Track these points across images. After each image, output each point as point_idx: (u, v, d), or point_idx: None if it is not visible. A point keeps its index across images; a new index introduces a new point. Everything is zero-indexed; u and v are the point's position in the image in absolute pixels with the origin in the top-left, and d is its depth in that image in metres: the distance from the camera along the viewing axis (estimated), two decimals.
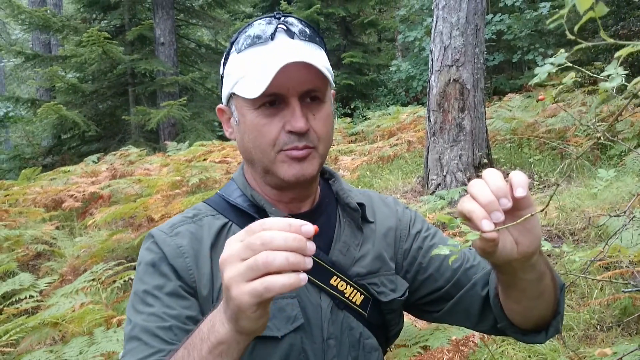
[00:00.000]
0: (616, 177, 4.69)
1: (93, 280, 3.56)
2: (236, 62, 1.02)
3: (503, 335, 1.11)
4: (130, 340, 0.95)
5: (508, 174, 0.82)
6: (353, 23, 14.44)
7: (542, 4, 10.47)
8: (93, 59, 10.54)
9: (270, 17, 1.03)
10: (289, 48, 0.98)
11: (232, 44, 1.04)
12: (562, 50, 0.70)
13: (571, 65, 0.70)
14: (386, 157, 7.35)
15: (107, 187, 6.41)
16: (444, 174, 5.43)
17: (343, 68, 13.74)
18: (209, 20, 13.45)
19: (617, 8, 8.91)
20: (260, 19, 1.03)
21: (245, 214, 1.07)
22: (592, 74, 0.78)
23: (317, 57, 0.99)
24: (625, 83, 0.68)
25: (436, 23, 5.54)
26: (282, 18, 1.02)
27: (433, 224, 1.98)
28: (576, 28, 0.60)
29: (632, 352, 1.87)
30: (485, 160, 5.45)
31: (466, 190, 0.83)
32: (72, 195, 6.15)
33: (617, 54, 0.60)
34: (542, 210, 0.82)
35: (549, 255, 3.76)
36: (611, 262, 3.32)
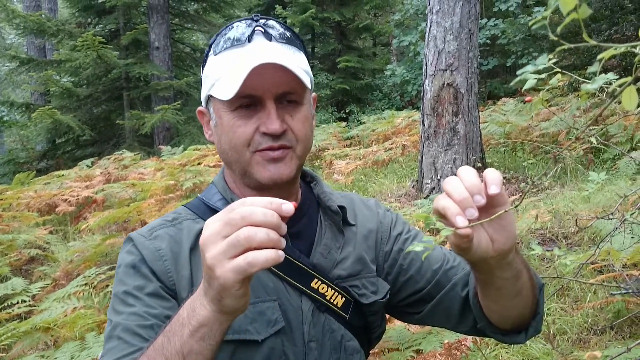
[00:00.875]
0: (609, 181, 4.71)
1: (85, 284, 3.55)
2: (214, 64, 1.02)
3: (483, 336, 1.11)
4: (109, 340, 0.94)
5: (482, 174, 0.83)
6: (348, 27, 14.47)
7: (536, 9, 10.54)
8: (88, 64, 10.54)
9: (250, 19, 1.03)
10: (265, 50, 0.98)
11: (210, 46, 1.05)
12: (546, 54, 0.71)
13: (559, 70, 0.70)
14: (381, 161, 7.35)
15: (101, 191, 6.40)
16: (438, 177, 5.43)
17: (338, 72, 13.78)
18: (204, 24, 13.48)
19: (610, 13, 8.95)
20: (239, 21, 1.03)
21: None
22: (577, 77, 0.78)
23: (294, 60, 0.99)
24: (617, 87, 0.68)
25: (430, 27, 5.56)
26: (261, 21, 1.02)
27: (416, 225, 1.98)
28: (559, 29, 0.60)
29: (620, 354, 1.88)
30: (480, 164, 5.46)
31: None
32: (65, 200, 6.13)
33: (599, 56, 0.61)
34: (515, 207, 0.83)
35: (541, 259, 3.77)
36: (604, 265, 3.32)
